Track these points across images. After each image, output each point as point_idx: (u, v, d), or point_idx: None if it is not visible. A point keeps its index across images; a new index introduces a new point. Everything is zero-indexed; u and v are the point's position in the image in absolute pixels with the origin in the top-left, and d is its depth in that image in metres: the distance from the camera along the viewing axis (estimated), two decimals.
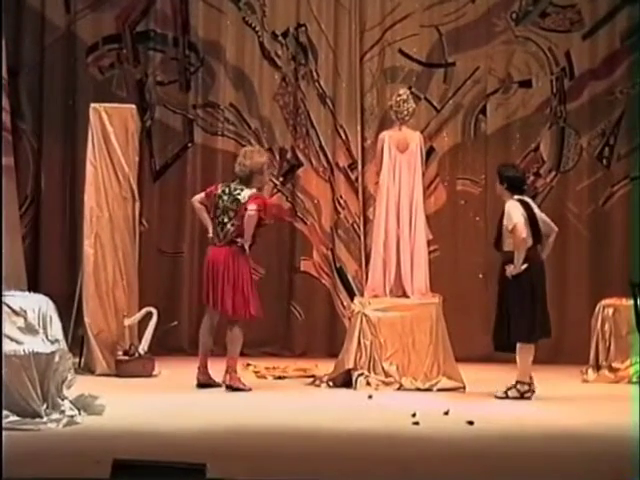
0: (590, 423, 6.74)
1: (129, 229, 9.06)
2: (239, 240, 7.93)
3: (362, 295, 8.99)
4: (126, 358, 8.72)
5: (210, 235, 8.14)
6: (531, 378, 7.94)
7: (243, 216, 7.92)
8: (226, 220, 8.01)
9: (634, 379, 8.74)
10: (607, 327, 9.11)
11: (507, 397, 7.84)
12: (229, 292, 7.91)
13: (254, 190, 8.01)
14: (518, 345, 7.93)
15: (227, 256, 7.94)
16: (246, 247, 7.95)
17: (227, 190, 8.08)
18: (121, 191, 9.00)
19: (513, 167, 8.66)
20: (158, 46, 10.69)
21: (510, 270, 7.82)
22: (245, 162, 8.07)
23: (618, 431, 6.43)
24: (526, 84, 10.65)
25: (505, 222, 7.93)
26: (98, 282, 8.88)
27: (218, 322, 8.22)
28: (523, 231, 7.82)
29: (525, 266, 7.80)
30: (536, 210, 8.11)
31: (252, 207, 7.88)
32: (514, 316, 7.89)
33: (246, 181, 8.03)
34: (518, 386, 7.90)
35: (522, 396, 7.86)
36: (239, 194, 7.99)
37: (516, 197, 8.03)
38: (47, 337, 6.45)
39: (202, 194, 8.30)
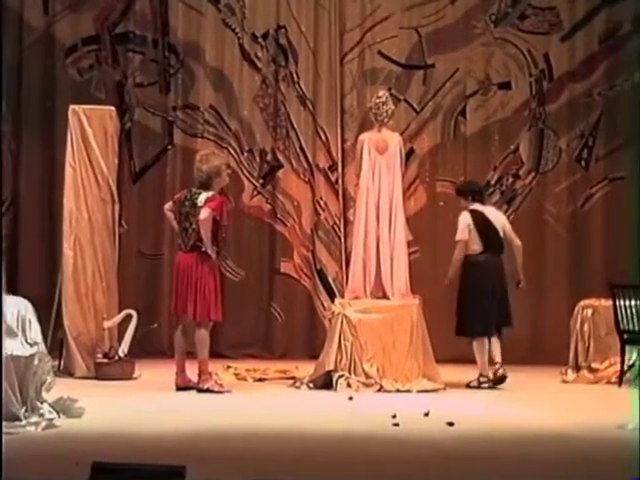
0: (570, 424, 6.75)
1: (108, 231, 9.03)
2: (201, 245, 7.92)
3: (342, 296, 8.99)
4: (106, 361, 8.68)
5: (179, 242, 8.17)
6: (501, 364, 8.44)
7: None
8: (188, 225, 8.01)
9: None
10: (586, 328, 9.13)
11: (479, 387, 8.41)
12: (191, 297, 7.92)
13: (211, 193, 8.00)
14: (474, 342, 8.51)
15: (191, 262, 7.96)
16: (210, 252, 7.92)
17: (188, 195, 8.08)
18: (100, 193, 8.96)
19: (466, 183, 9.34)
20: (137, 47, 10.66)
21: (447, 279, 8.62)
22: (202, 167, 8.06)
23: (598, 432, 6.45)
24: (505, 86, 10.68)
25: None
26: (77, 284, 8.84)
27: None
28: (461, 252, 8.58)
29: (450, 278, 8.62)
30: (491, 218, 8.67)
31: (203, 211, 7.87)
32: (464, 314, 8.54)
33: (205, 185, 8.03)
34: (480, 378, 8.44)
35: (479, 386, 8.41)
36: (197, 198, 7.99)
37: (471, 207, 8.63)
38: (26, 340, 6.40)
39: (171, 202, 8.32)
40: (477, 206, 8.65)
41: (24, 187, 10.41)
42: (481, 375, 8.48)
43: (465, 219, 8.58)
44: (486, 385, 8.43)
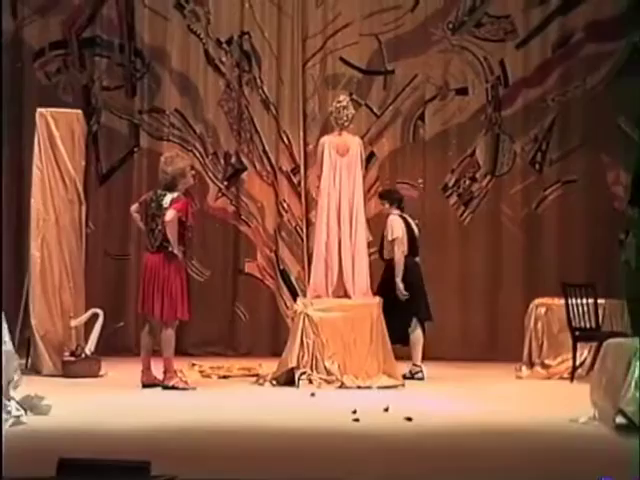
0: (524, 418, 6.81)
1: (75, 232, 8.99)
2: (168, 246, 7.90)
3: (305, 296, 9.00)
4: (72, 359, 8.64)
5: (146, 242, 8.15)
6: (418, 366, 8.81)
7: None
8: (154, 226, 7.99)
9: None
10: (540, 325, 9.21)
11: (412, 377, 8.72)
12: (158, 297, 7.90)
13: (176, 194, 7.98)
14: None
15: (158, 262, 7.94)
16: (176, 252, 7.91)
17: (154, 197, 8.06)
18: (67, 194, 8.92)
19: (392, 190, 9.62)
20: (104, 52, 10.61)
21: (399, 290, 8.74)
22: (166, 169, 8.04)
23: (551, 425, 6.51)
24: (462, 91, 10.74)
25: (387, 233, 8.89)
26: (45, 284, 8.79)
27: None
28: (402, 245, 8.82)
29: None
30: (413, 226, 9.11)
31: (169, 212, 7.86)
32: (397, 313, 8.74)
33: (170, 186, 8.01)
34: (414, 368, 8.82)
35: (413, 376, 8.72)
36: (162, 200, 7.97)
37: (397, 212, 8.97)
38: None
39: (137, 203, 8.29)
40: (399, 213, 9.05)
41: None
42: (414, 365, 8.81)
43: (399, 222, 8.92)
44: (420, 375, 8.75)
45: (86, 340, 8.80)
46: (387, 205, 9.08)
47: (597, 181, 10.69)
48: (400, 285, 8.74)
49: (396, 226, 8.89)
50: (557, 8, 10.68)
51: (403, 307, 8.78)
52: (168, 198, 7.96)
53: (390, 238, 8.84)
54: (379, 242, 9.09)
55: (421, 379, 8.74)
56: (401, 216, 9.04)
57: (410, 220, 9.13)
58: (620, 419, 6.37)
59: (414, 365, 8.83)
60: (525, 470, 5.33)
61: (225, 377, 8.82)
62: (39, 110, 9.03)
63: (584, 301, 8.79)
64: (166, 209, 7.91)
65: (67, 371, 8.57)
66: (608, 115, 10.60)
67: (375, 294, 8.70)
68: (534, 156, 10.77)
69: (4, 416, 6.21)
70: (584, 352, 8.83)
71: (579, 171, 10.71)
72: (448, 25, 10.72)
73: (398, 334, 8.70)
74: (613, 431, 6.30)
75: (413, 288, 8.83)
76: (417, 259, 9.07)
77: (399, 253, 8.82)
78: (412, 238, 9.01)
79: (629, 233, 10.76)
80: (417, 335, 8.87)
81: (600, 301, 8.85)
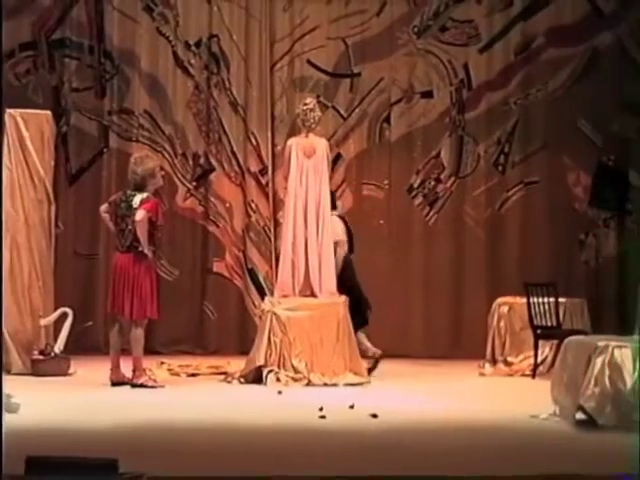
0: (487, 414, 6.84)
1: (45, 232, 8.92)
2: (138, 246, 7.87)
3: (272, 295, 8.99)
4: (42, 357, 8.57)
5: (116, 242, 8.11)
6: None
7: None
8: (124, 227, 7.95)
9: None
10: (502, 324, 9.26)
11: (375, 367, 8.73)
12: (128, 296, 7.87)
13: (146, 195, 7.95)
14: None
15: (128, 262, 7.90)
16: (146, 252, 7.88)
17: (124, 197, 8.03)
18: (37, 195, 8.85)
19: (332, 192, 9.36)
20: (74, 53, 10.55)
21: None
22: (136, 169, 8.01)
23: (513, 421, 6.55)
24: (427, 94, 10.79)
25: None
26: (14, 283, 8.72)
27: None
28: (344, 245, 8.87)
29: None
30: (349, 225, 9.16)
31: (139, 212, 7.83)
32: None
33: (140, 187, 7.97)
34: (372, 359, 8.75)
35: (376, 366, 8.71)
36: (132, 200, 7.94)
37: (335, 213, 8.92)
38: None
39: (106, 204, 8.24)
40: (337, 213, 9.06)
41: None
42: (373, 355, 8.79)
43: (341, 224, 8.96)
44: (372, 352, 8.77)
45: (55, 339, 8.73)
46: None
47: (558, 182, 10.77)
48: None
49: (338, 228, 8.88)
50: (519, 14, 10.76)
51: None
52: (138, 198, 7.92)
53: (337, 240, 8.81)
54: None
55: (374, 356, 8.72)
56: (339, 216, 9.03)
57: (345, 219, 9.15)
58: (580, 415, 6.42)
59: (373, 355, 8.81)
60: (487, 465, 5.35)
61: (194, 375, 8.79)
62: (8, 111, 8.94)
63: (545, 300, 8.84)
64: (136, 209, 7.87)
65: (36, 370, 8.50)
66: (569, 118, 10.68)
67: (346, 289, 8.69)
68: (497, 158, 10.83)
69: None
70: (545, 349, 8.89)
71: (541, 173, 10.78)
72: (413, 29, 10.76)
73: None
74: (573, 427, 6.35)
75: (351, 283, 8.83)
76: (352, 256, 9.08)
77: (342, 253, 8.82)
78: (350, 237, 9.05)
79: (589, 234, 10.87)
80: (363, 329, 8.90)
81: (561, 300, 8.92)
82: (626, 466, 5.28)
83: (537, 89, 10.77)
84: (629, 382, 6.31)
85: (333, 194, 9.25)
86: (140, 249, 7.87)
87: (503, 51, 10.78)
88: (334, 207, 9.02)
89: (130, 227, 7.90)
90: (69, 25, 10.54)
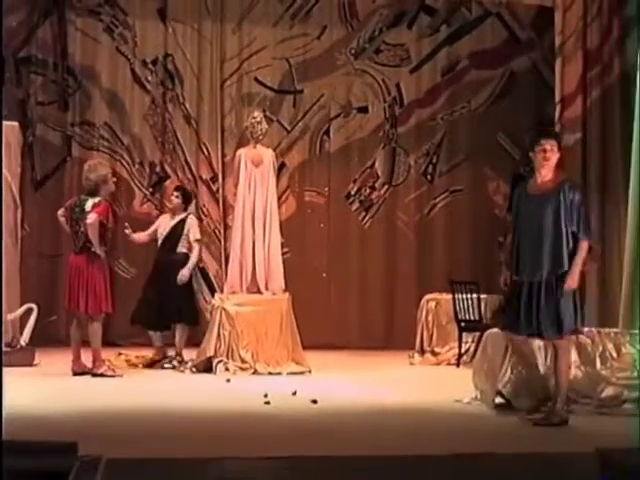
0: (415, 398, 6.88)
1: (11, 233, 8.79)
2: (91, 246, 7.79)
3: (222, 292, 8.95)
4: (8, 349, 8.44)
5: (71, 244, 8.02)
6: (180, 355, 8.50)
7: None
8: (78, 229, 7.88)
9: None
10: (430, 317, 9.33)
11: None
12: (83, 294, 7.79)
13: (97, 199, 7.87)
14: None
15: (82, 262, 7.82)
16: (99, 252, 7.80)
17: (78, 202, 7.96)
18: (4, 199, 8.71)
19: (187, 189, 9.27)
20: (39, 70, 10.41)
21: (183, 274, 8.38)
22: (90, 175, 7.93)
23: (439, 405, 6.59)
24: (363, 110, 10.83)
25: (190, 231, 8.53)
26: None
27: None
28: (201, 244, 8.75)
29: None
30: None
31: (90, 215, 7.76)
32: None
33: (93, 192, 7.90)
34: (178, 358, 8.48)
35: (174, 367, 8.34)
36: (85, 204, 7.87)
37: (191, 211, 8.85)
38: None
39: (63, 208, 8.15)
40: (193, 212, 8.93)
41: None
42: (178, 355, 8.51)
43: (197, 223, 8.75)
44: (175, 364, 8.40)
45: (21, 332, 8.61)
46: (182, 203, 8.67)
47: (480, 190, 10.89)
48: (188, 274, 8.44)
49: (197, 227, 8.69)
50: (445, 39, 10.87)
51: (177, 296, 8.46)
52: (90, 203, 7.85)
53: (193, 238, 8.54)
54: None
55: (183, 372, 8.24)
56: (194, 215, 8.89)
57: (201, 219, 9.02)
58: (499, 399, 6.50)
59: (178, 355, 8.50)
60: (416, 445, 5.39)
61: (149, 365, 8.71)
62: None
63: (468, 296, 8.93)
64: (88, 213, 7.80)
65: (3, 361, 8.35)
66: (489, 133, 10.80)
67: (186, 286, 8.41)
68: (426, 168, 10.91)
69: None
70: (468, 341, 8.97)
71: (464, 182, 10.89)
72: (351, 51, 10.80)
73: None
74: (492, 410, 6.42)
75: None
76: None
77: (199, 251, 8.64)
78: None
79: (507, 236, 10.99)
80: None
81: (482, 296, 9.01)
82: (540, 444, 5.36)
83: (461, 106, 10.88)
84: (542, 370, 6.39)
85: (189, 194, 8.91)
86: (93, 249, 7.79)
87: (431, 72, 10.88)
88: (188, 206, 8.74)
89: (83, 229, 7.82)
90: (35, 44, 10.39)
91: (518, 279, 6.07)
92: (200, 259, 9.20)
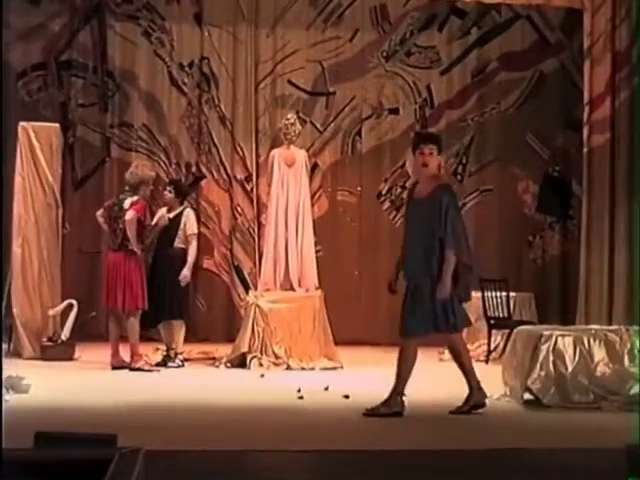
0: (446, 394, 6.85)
1: (53, 232, 8.88)
2: (128, 244, 7.84)
3: (256, 289, 8.98)
4: (50, 344, 8.53)
5: (109, 242, 8.08)
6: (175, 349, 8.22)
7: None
8: (116, 226, 7.94)
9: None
10: None
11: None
12: (120, 290, 7.84)
13: (136, 197, 7.92)
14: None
15: (119, 259, 7.88)
16: (135, 250, 7.84)
17: (116, 201, 8.05)
18: (46, 199, 8.81)
19: (182, 183, 9.03)
20: (80, 73, 10.50)
21: (185, 275, 8.09)
22: (137, 171, 8.01)
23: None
24: (394, 111, 10.81)
25: (186, 226, 8.15)
26: (25, 278, 8.68)
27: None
28: (197, 238, 8.31)
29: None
30: None
31: (129, 212, 7.81)
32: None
33: (134, 188, 7.94)
34: (178, 355, 8.22)
35: (179, 365, 8.16)
36: (123, 202, 7.93)
37: (186, 205, 8.45)
38: None
39: (102, 208, 8.23)
40: (188, 206, 8.58)
41: None
42: (177, 353, 8.27)
43: (194, 218, 8.40)
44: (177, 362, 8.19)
45: (62, 327, 8.69)
46: (175, 197, 8.31)
47: (509, 190, 10.82)
48: (189, 274, 8.18)
49: (194, 221, 8.31)
50: (475, 41, 10.81)
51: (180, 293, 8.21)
52: (128, 201, 7.92)
53: (190, 232, 8.17)
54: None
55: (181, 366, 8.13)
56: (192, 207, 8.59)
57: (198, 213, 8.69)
58: (527, 395, 6.46)
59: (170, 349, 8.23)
60: (444, 440, 5.37)
61: (185, 360, 8.76)
62: (21, 124, 8.90)
63: (498, 294, 8.88)
64: (126, 210, 7.86)
65: (45, 355, 8.46)
66: (519, 133, 10.73)
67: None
68: (456, 168, 10.86)
69: None
70: (497, 338, 8.92)
71: (494, 181, 10.83)
72: (382, 54, 10.78)
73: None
74: (521, 406, 6.39)
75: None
76: None
77: (196, 245, 8.23)
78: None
79: (536, 235, 10.92)
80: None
81: (511, 294, 8.95)
82: (568, 440, 5.32)
83: (491, 108, 10.82)
84: (570, 366, 6.35)
85: (183, 188, 8.60)
86: (130, 247, 7.84)
87: (461, 74, 10.82)
88: (184, 199, 8.40)
89: (121, 226, 7.88)
90: (76, 48, 10.48)
91: (406, 282, 6.02)
92: (197, 254, 8.58)
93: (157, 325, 8.36)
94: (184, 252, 8.17)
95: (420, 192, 6.02)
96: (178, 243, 8.22)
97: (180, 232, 8.19)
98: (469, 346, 9.16)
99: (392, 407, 5.90)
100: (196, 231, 8.32)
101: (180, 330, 8.28)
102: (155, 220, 8.35)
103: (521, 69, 10.79)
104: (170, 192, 8.35)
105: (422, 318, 5.91)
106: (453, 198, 6.05)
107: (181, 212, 8.29)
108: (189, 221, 8.22)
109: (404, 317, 6.04)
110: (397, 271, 6.12)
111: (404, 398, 6.00)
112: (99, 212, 8.22)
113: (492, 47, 10.79)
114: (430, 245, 5.85)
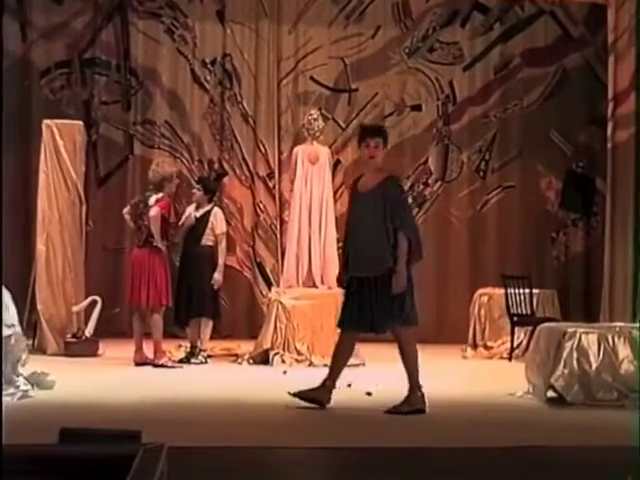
0: (469, 392, 6.84)
1: (76, 229, 8.93)
2: (152, 241, 7.88)
3: (278, 286, 8.99)
4: (74, 340, 8.58)
5: (135, 239, 8.12)
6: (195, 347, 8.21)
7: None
8: (141, 223, 7.98)
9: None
10: (482, 312, 9.26)
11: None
12: (144, 286, 7.86)
13: (160, 195, 7.95)
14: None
15: (144, 255, 7.90)
16: (160, 246, 7.87)
17: (142, 198, 8.09)
18: (70, 196, 8.85)
19: (210, 180, 8.94)
20: (103, 71, 10.54)
21: (216, 280, 8.08)
22: (158, 169, 8.03)
23: (492, 398, 6.55)
24: (416, 108, 10.78)
25: (215, 225, 8.12)
26: (49, 274, 8.73)
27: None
28: (225, 237, 8.26)
29: None
30: None
31: (153, 209, 7.84)
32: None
33: (158, 186, 7.97)
34: (203, 353, 8.23)
35: (201, 362, 8.11)
36: (148, 199, 7.97)
37: (215, 204, 8.39)
38: (4, 323, 6.29)
39: (128, 206, 8.27)
40: (217, 205, 8.55)
41: (4, 191, 10.21)
42: (202, 350, 8.25)
43: (223, 216, 8.36)
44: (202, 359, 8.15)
45: (86, 324, 8.74)
46: (204, 194, 8.24)
47: (532, 187, 10.77)
48: (220, 278, 8.13)
49: (223, 220, 8.26)
50: (498, 37, 10.76)
51: (209, 295, 8.18)
52: (153, 198, 7.95)
53: (219, 231, 8.15)
54: (201, 228, 8.21)
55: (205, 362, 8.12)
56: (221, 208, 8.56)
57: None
58: (551, 393, 6.43)
59: (203, 350, 8.23)
60: (469, 437, 5.36)
61: (209, 356, 8.78)
62: (45, 122, 8.95)
63: (521, 291, 8.84)
64: (151, 207, 7.90)
65: (69, 351, 8.51)
66: (542, 130, 10.68)
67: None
68: (479, 165, 10.82)
69: (13, 390, 6.17)
70: (521, 335, 8.88)
71: (517, 178, 10.78)
72: (404, 50, 10.75)
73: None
74: (545, 403, 6.36)
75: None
76: None
77: (225, 246, 8.20)
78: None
79: (559, 232, 10.87)
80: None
81: (534, 291, 8.92)
82: (591, 437, 5.29)
83: (514, 104, 10.76)
84: (594, 364, 6.31)
85: (211, 186, 8.45)
86: (154, 244, 7.87)
87: (484, 70, 10.78)
88: (212, 197, 8.32)
89: (146, 223, 7.92)
90: (99, 46, 10.53)
91: (348, 276, 5.95)
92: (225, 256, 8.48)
93: (189, 323, 8.36)
94: (212, 250, 8.19)
95: (366, 185, 5.98)
96: (206, 241, 8.20)
97: (208, 230, 8.19)
98: (491, 343, 9.16)
99: (413, 404, 5.88)
100: (225, 230, 8.32)
101: (208, 328, 8.29)
102: (182, 220, 8.33)
103: (544, 65, 10.73)
104: (199, 190, 8.34)
105: (358, 318, 5.87)
106: (401, 189, 6.02)
107: (209, 211, 8.26)
108: (217, 220, 8.22)
109: (342, 311, 6.01)
110: (344, 265, 6.05)
111: (424, 393, 5.97)
112: (125, 209, 8.26)
113: (515, 43, 10.73)
114: (379, 238, 5.78)
